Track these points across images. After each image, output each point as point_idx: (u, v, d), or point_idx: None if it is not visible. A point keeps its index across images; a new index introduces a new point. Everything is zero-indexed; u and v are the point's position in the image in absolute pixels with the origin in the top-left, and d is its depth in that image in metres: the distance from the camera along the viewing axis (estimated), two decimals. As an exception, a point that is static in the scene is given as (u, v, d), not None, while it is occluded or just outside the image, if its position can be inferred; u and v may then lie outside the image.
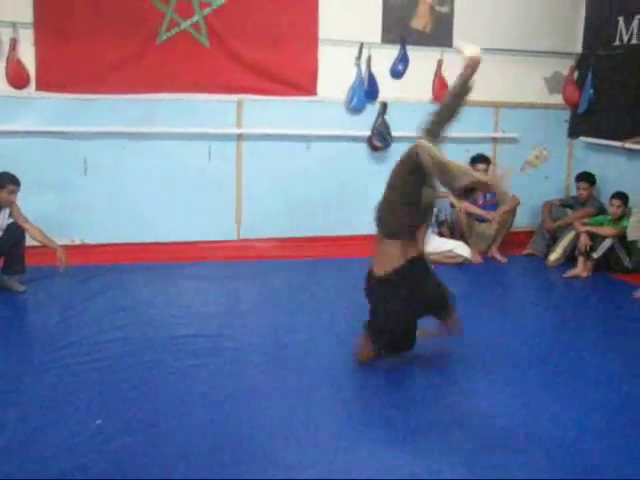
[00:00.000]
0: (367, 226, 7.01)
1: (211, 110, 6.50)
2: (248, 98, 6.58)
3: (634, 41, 6.67)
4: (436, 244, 6.55)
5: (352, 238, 7.01)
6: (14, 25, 5.95)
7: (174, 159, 6.52)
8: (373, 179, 6.96)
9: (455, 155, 7.04)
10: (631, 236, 6.01)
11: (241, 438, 3.31)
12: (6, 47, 5.97)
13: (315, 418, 3.54)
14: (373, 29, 6.79)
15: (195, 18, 6.24)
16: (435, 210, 6.84)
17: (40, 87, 6.09)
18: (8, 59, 5.97)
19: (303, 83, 6.67)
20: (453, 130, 7.01)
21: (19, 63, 5.99)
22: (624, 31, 6.80)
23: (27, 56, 6.03)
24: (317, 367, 4.16)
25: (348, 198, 6.99)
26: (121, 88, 6.22)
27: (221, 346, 4.44)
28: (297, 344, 4.50)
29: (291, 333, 4.68)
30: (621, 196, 6.50)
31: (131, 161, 6.43)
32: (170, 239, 6.57)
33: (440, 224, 6.95)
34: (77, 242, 6.36)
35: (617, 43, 6.92)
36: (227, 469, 3.05)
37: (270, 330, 4.76)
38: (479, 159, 6.93)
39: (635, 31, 6.65)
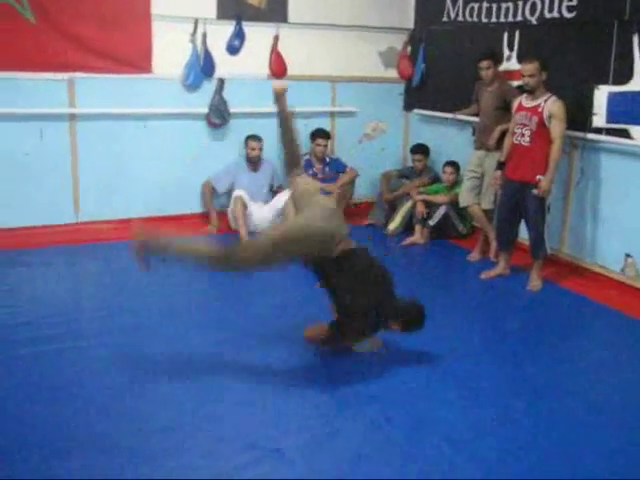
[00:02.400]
0: (198, 203, 7.04)
1: (40, 89, 6.21)
2: (80, 76, 6.34)
3: (460, 18, 6.95)
4: (265, 213, 6.72)
5: (192, 216, 6.98)
6: None
7: (2, 141, 6.19)
8: (212, 156, 6.97)
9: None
10: (463, 202, 6.28)
11: (71, 427, 3.25)
12: None
13: (150, 404, 3.52)
14: (208, 5, 6.70)
15: (16, -10, 5.93)
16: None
17: None
18: None
19: (137, 60, 6.49)
20: (292, 105, 7.16)
21: None
22: (451, 8, 7.06)
23: None
24: (160, 352, 4.10)
25: (187, 176, 6.91)
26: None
27: (58, 333, 4.29)
28: (140, 327, 4.43)
29: (135, 317, 4.59)
30: (453, 164, 6.80)
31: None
32: (3, 225, 6.26)
33: (274, 193, 7.01)
34: None
35: (445, 19, 7.18)
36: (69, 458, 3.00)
37: (111, 314, 4.65)
38: (319, 134, 7.06)
39: (461, 8, 6.93)
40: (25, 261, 5.72)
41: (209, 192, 6.91)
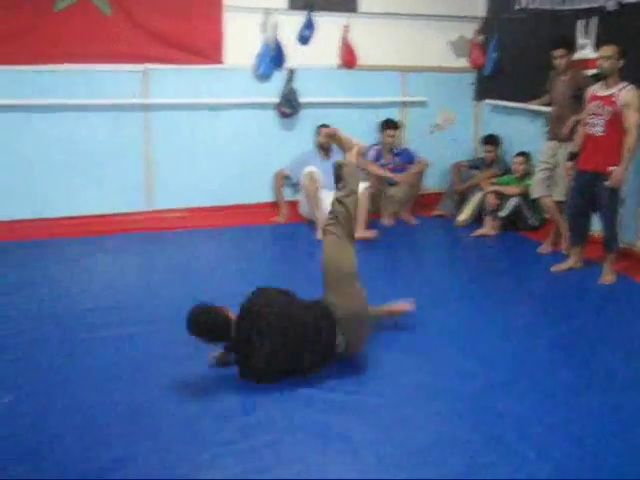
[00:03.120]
0: (270, 193, 7.11)
1: (116, 80, 6.39)
2: (153, 67, 6.48)
3: (533, 5, 6.82)
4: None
5: (263, 205, 7.05)
6: None
7: (80, 131, 6.38)
8: (282, 146, 7.03)
9: (365, 120, 7.26)
10: (534, 194, 6.18)
11: (153, 409, 3.31)
12: None
13: (215, 390, 3.54)
14: (279, -5, 6.77)
15: (94, -15, 6.09)
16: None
17: None
18: None
19: (209, 51, 6.59)
20: (362, 95, 7.19)
21: None
22: (524, -5, 6.95)
23: None
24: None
25: (257, 165, 6.99)
26: (19, 59, 6.03)
27: (134, 317, 4.41)
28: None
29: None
30: (523, 154, 6.70)
31: (35, 135, 6.26)
32: (80, 213, 6.45)
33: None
34: (-20, 220, 6.20)
35: (518, 7, 7.05)
36: (138, 442, 3.04)
37: (184, 300, 4.70)
38: (388, 125, 7.04)
39: (534, -5, 6.82)
40: (101, 248, 5.90)
41: (280, 182, 6.97)
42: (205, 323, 3.48)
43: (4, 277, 5.15)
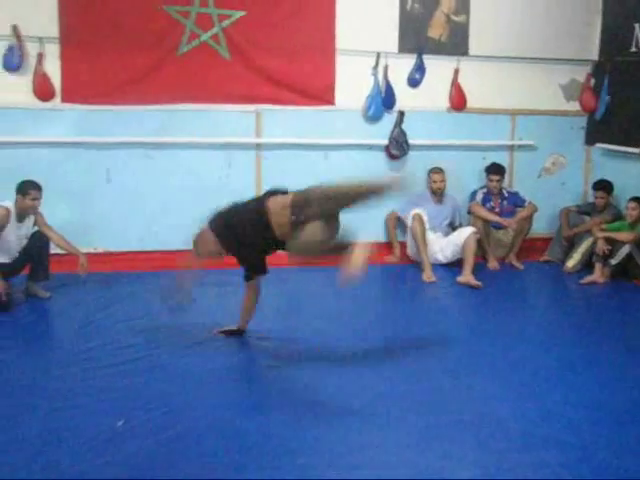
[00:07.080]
0: (382, 233, 7.16)
1: (230, 120, 6.63)
2: (267, 108, 6.69)
3: (649, 47, 6.72)
4: (443, 245, 6.73)
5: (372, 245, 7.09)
6: (40, 40, 6.16)
7: (195, 168, 6.64)
8: (390, 187, 7.08)
9: (473, 163, 7.23)
10: (648, 241, 6.02)
11: (258, 442, 3.36)
12: (33, 61, 6.17)
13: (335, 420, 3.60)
14: (390, 39, 6.88)
15: (214, 30, 6.37)
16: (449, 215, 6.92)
17: (65, 99, 6.29)
18: (35, 72, 6.18)
19: (321, 93, 6.76)
20: (470, 138, 7.18)
21: (45, 76, 6.19)
22: (640, 38, 6.84)
23: (53, 69, 6.23)
24: (346, 369, 4.22)
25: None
26: (143, 99, 6.37)
27: (242, 349, 4.55)
28: (321, 347, 4.57)
29: (312, 337, 4.74)
30: (637, 199, 6.50)
31: (153, 171, 6.57)
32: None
33: (454, 230, 7.00)
34: (100, 250, 6.50)
35: (633, 50, 6.94)
36: (245, 472, 3.10)
37: (290, 334, 4.86)
38: (491, 170, 7.04)
39: (651, 38, 6.70)
40: (209, 282, 5.96)
41: (392, 223, 7.06)
42: None
43: (116, 307, 5.36)
